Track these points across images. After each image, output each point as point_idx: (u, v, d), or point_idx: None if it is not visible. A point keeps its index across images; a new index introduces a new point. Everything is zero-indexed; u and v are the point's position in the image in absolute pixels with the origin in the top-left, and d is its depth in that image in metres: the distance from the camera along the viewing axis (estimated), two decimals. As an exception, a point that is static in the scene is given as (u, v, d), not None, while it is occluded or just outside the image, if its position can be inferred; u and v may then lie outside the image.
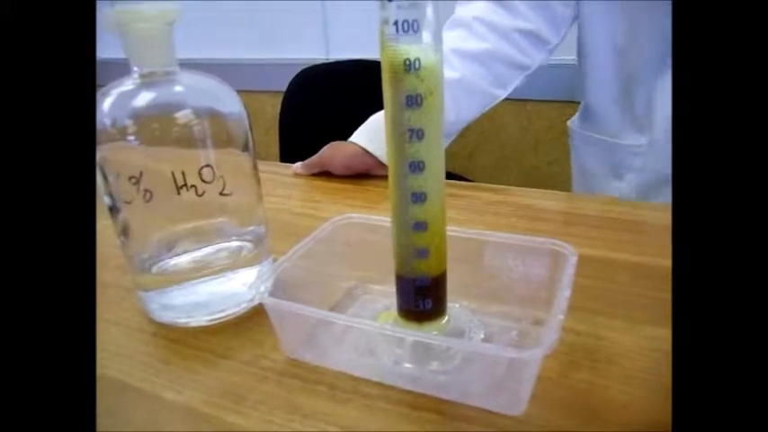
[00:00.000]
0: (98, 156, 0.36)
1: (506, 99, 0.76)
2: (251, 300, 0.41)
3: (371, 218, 0.42)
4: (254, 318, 0.41)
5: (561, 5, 0.73)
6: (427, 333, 0.35)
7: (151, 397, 0.34)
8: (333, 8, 1.52)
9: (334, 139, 0.73)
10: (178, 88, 0.37)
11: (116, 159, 0.36)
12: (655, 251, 0.47)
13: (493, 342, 0.37)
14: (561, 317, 0.30)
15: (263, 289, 0.35)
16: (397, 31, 0.27)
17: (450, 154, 0.31)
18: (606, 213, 0.57)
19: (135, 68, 0.36)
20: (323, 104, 1.24)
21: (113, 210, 0.38)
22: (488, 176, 1.45)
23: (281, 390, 0.34)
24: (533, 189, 0.65)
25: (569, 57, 0.82)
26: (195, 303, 0.41)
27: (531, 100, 1.32)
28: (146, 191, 0.36)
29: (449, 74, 0.69)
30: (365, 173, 0.70)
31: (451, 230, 0.34)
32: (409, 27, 0.26)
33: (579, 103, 0.86)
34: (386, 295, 0.41)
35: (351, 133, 0.72)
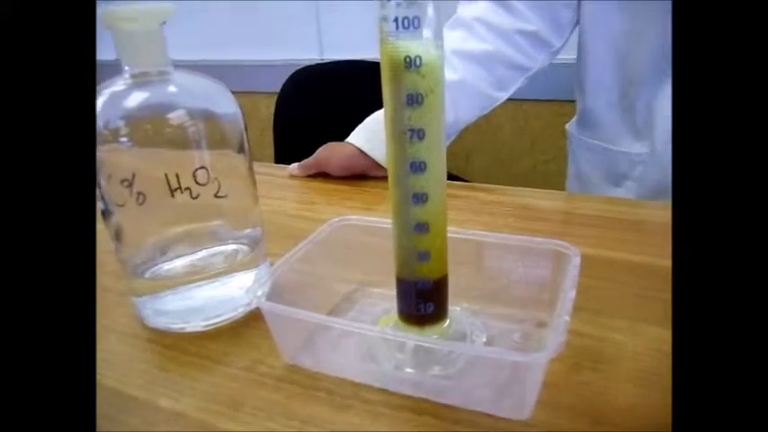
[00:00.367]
0: (90, 158, 0.35)
1: (503, 99, 0.76)
2: (248, 304, 0.40)
3: (370, 219, 0.42)
4: (251, 323, 0.40)
5: (563, 7, 0.72)
6: (429, 337, 0.34)
7: (147, 405, 0.34)
8: (327, 8, 1.52)
9: (328, 140, 0.72)
10: (171, 88, 0.37)
11: (108, 161, 0.35)
12: (655, 250, 0.47)
13: (495, 345, 0.36)
14: (567, 318, 0.29)
15: (260, 293, 0.35)
16: (397, 27, 0.26)
17: (447, 155, 0.30)
18: (605, 213, 0.56)
19: (126, 68, 0.36)
20: (317, 105, 1.23)
21: (106, 213, 0.38)
22: (485, 177, 1.44)
23: (279, 396, 0.34)
24: (530, 189, 0.65)
25: (566, 56, 0.81)
26: (190, 308, 0.40)
27: (527, 100, 1.32)
28: (139, 194, 0.36)
29: (449, 75, 0.68)
30: (362, 174, 0.70)
31: (451, 232, 0.34)
32: (410, 24, 0.26)
33: (575, 102, 0.86)
34: (386, 299, 0.41)
35: (346, 134, 0.71)
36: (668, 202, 0.54)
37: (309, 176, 0.72)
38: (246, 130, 0.40)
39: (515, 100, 0.76)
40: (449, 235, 0.33)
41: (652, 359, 0.35)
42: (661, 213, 0.55)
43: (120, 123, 0.35)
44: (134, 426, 0.32)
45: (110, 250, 0.40)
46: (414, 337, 0.34)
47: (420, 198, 0.30)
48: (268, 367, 0.36)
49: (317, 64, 1.30)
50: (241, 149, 0.40)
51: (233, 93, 0.40)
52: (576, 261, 0.35)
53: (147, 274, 0.40)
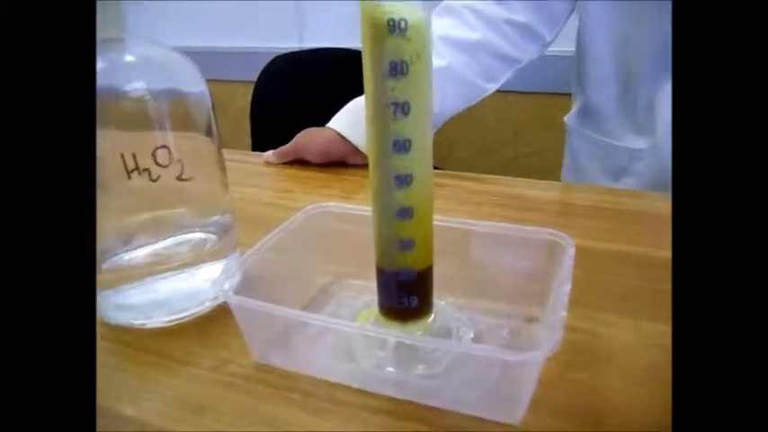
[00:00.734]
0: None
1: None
2: (215, 298, 0.37)
3: (348, 206, 0.39)
4: (220, 318, 0.37)
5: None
6: (412, 333, 0.31)
7: (102, 410, 0.30)
8: (307, -5, 1.48)
9: (307, 130, 0.69)
10: (129, 58, 0.33)
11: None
12: (652, 241, 0.45)
13: (483, 342, 0.34)
14: (563, 314, 0.27)
15: (227, 286, 0.32)
16: (379, -14, 0.23)
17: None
18: (599, 203, 0.54)
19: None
20: (296, 94, 1.20)
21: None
22: (467, 168, 1.41)
23: (248, 398, 0.31)
24: (519, 178, 0.62)
25: (555, 49, 0.79)
26: (153, 302, 0.37)
27: (512, 91, 1.30)
28: (92, 176, 0.32)
29: (435, 62, 0.65)
30: (342, 161, 0.67)
31: (435, 219, 0.31)
32: (393, -18, 0.23)
33: (570, 95, 0.84)
34: (366, 292, 0.38)
35: (325, 123, 0.68)
36: (667, 195, 0.53)
37: (286, 164, 0.69)
38: (214, 109, 0.37)
39: (500, 91, 0.74)
40: (434, 224, 0.30)
41: (649, 355, 0.33)
42: (659, 204, 0.53)
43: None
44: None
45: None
46: (395, 334, 0.31)
47: (403, 180, 0.27)
48: (237, 366, 0.33)
49: (296, 51, 1.27)
50: (209, 131, 0.37)
51: (210, 81, 0.37)
52: (571, 252, 0.33)
53: (106, 266, 0.36)
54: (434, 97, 0.65)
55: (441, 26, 0.68)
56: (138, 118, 0.32)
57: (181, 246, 0.38)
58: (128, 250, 0.37)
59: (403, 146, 0.26)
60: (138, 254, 0.37)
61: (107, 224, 0.36)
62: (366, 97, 0.26)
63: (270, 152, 0.70)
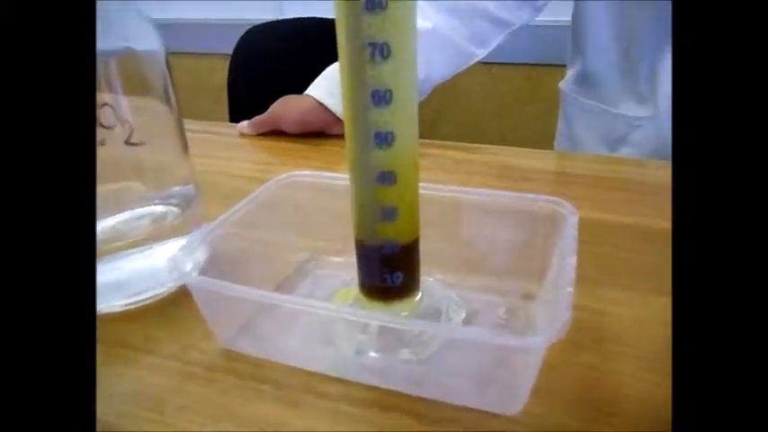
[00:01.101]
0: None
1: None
2: (175, 278, 0.33)
3: (324, 174, 0.35)
4: (183, 300, 0.33)
5: None
6: (396, 314, 0.28)
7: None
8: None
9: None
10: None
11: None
12: (655, 212, 0.42)
13: (476, 323, 0.31)
14: (570, 289, 0.23)
15: (189, 266, 0.28)
16: None
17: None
18: (598, 172, 0.51)
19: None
20: (274, 65, 1.15)
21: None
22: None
23: (210, 390, 0.27)
24: (512, 147, 0.58)
25: (541, 18, 0.75)
26: (108, 284, 0.33)
27: (496, 63, 1.26)
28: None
29: (420, 23, 0.61)
30: (321, 131, 0.63)
31: (422, 188, 0.27)
32: None
33: (559, 66, 0.80)
34: (345, 268, 0.34)
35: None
36: (668, 162, 0.49)
37: (262, 135, 0.65)
38: (170, 69, 0.33)
39: (484, 63, 0.70)
40: (420, 192, 0.27)
41: (657, 334, 0.30)
42: (660, 173, 0.50)
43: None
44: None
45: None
46: (378, 316, 0.27)
47: (384, 139, 0.24)
48: (199, 352, 0.29)
49: (273, 21, 1.21)
50: (164, 94, 0.33)
51: (186, 55, 0.33)
52: (574, 221, 0.29)
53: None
54: (418, 63, 0.61)
55: None
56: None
57: (139, 220, 0.34)
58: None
59: (383, 97, 0.23)
60: (90, 230, 0.33)
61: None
62: (338, 38, 0.22)
63: (244, 122, 0.65)
